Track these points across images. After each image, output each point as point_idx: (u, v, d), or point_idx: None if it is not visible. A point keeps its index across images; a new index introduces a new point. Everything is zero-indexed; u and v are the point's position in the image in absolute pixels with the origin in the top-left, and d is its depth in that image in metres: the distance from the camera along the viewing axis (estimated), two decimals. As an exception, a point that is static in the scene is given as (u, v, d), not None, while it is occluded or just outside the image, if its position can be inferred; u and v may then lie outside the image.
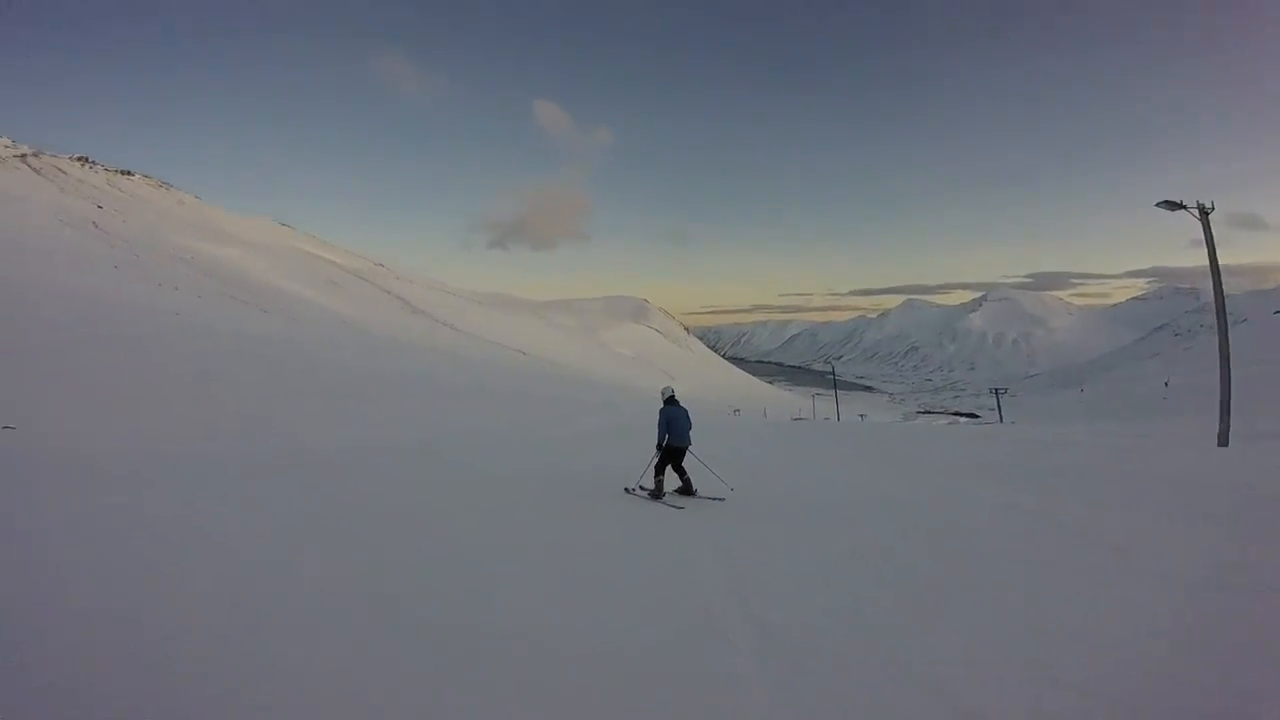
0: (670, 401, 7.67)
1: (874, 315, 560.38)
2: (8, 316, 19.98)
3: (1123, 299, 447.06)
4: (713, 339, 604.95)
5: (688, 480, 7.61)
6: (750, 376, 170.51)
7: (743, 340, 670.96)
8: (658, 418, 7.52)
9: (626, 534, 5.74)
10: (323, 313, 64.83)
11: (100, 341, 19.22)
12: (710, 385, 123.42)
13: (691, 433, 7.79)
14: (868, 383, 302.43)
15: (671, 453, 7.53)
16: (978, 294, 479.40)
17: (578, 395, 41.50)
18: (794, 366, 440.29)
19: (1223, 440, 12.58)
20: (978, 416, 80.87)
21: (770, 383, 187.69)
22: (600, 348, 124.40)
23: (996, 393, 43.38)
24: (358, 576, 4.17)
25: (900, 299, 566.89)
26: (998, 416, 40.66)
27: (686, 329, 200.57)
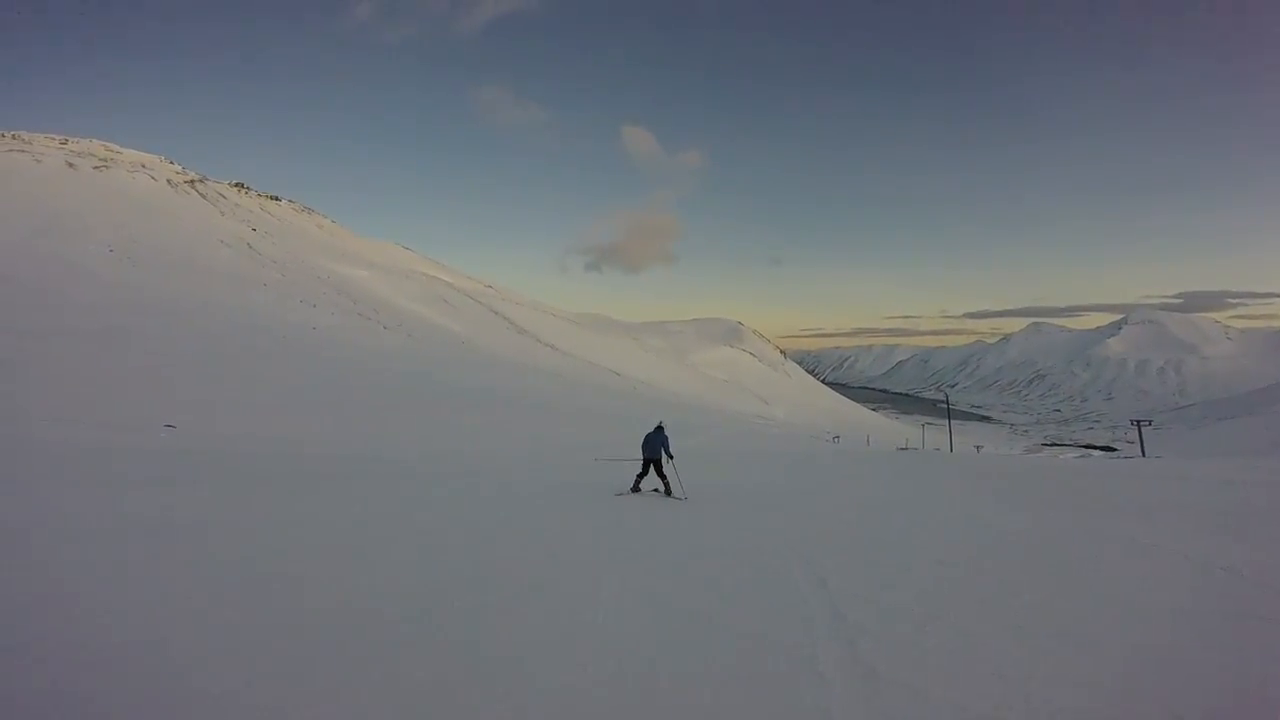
0: (658, 429, 9.92)
1: (993, 340, 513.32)
2: (173, 329, 23.52)
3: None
4: (812, 364, 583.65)
5: (668, 485, 9.67)
6: (853, 403, 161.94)
7: (845, 365, 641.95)
8: (659, 438, 9.72)
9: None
10: (435, 330, 70.10)
11: (250, 352, 22.09)
12: (810, 411, 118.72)
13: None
14: (985, 412, 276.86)
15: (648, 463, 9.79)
16: (1117, 316, 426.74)
17: (666, 418, 41.53)
18: (901, 394, 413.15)
19: None
20: (1115, 450, 71.34)
21: (875, 410, 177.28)
22: (690, 370, 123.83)
23: (1139, 424, 37.74)
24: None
25: (1024, 322, 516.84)
26: (1139, 450, 35.41)
27: (783, 352, 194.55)
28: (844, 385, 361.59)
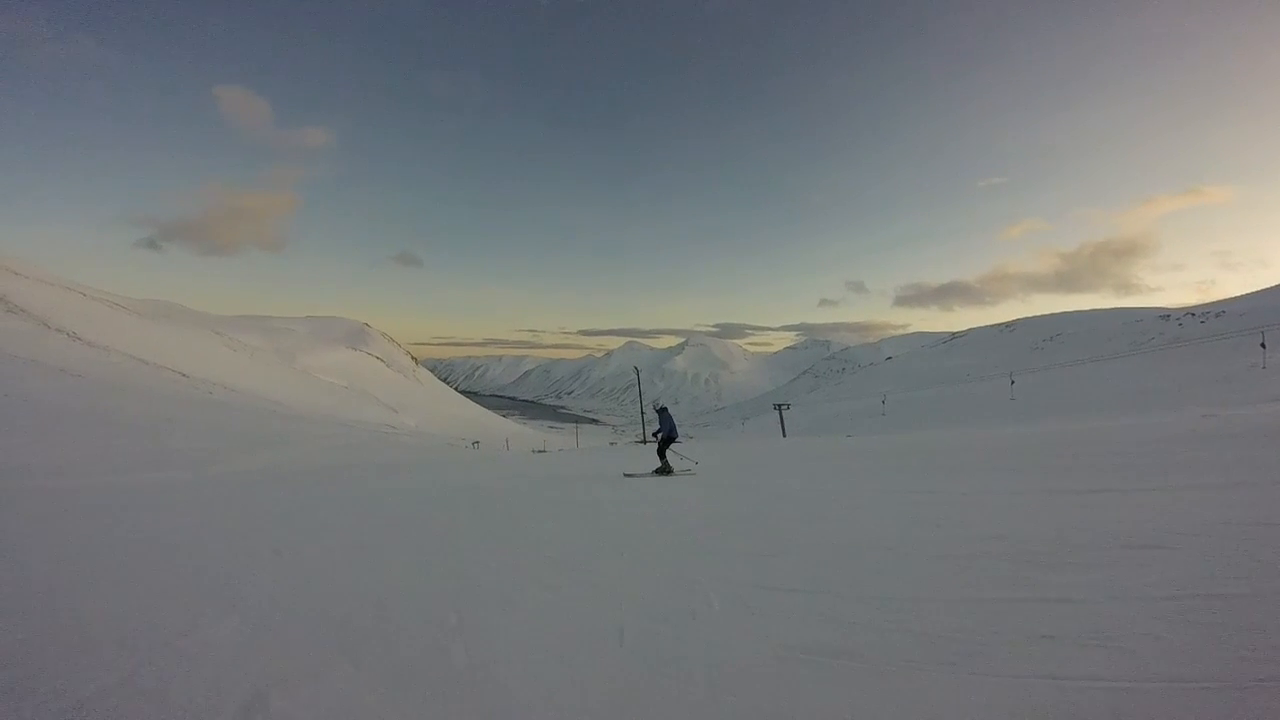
0: (664, 410, 10.89)
1: (600, 355, 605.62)
2: None
3: (780, 348, 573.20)
4: (444, 371, 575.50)
5: (666, 464, 10.53)
6: (486, 410, 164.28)
7: (477, 374, 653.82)
8: (659, 420, 10.71)
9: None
10: None
11: None
12: (443, 419, 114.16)
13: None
14: (594, 416, 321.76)
15: (668, 441, 10.69)
16: (681, 339, 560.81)
17: (256, 427, 32.15)
18: (528, 401, 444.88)
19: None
20: (691, 438, 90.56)
21: (505, 416, 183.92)
22: (300, 374, 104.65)
23: (780, 407, 44.10)
24: None
25: (622, 340, 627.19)
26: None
27: (415, 359, 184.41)
28: (476, 393, 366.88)
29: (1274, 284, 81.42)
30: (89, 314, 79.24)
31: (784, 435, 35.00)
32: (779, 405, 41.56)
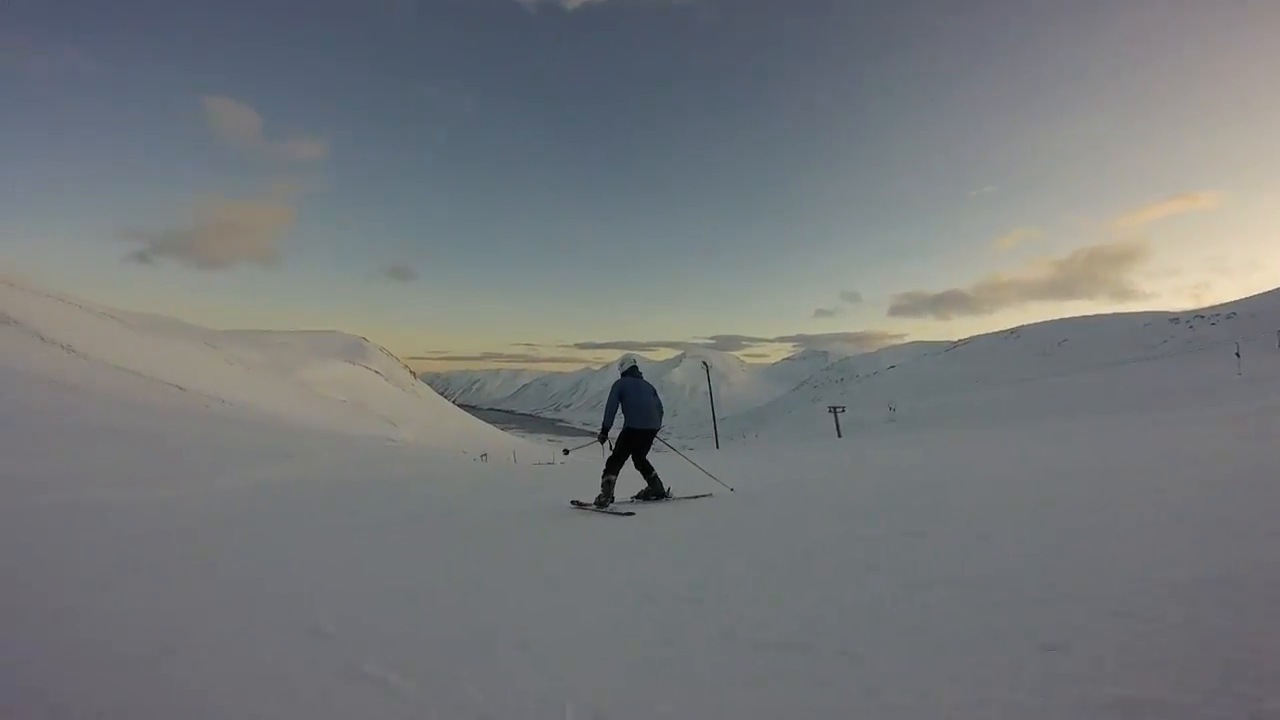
0: (630, 373, 6.07)
1: (598, 367, 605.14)
2: None
3: (778, 359, 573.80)
4: (442, 385, 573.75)
5: (655, 478, 5.97)
6: (485, 424, 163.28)
7: (474, 388, 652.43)
8: (608, 395, 5.80)
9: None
10: None
11: None
12: (441, 433, 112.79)
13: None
14: (593, 428, 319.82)
15: (633, 439, 5.79)
16: (679, 352, 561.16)
17: (258, 440, 31.14)
18: (526, 414, 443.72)
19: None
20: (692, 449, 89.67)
21: (504, 430, 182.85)
22: (299, 388, 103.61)
23: (835, 410, 44.17)
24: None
25: (619, 353, 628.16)
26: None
27: (414, 373, 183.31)
28: (474, 407, 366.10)
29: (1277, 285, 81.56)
30: (84, 326, 78.15)
31: (839, 435, 33.95)
32: (834, 408, 41.01)
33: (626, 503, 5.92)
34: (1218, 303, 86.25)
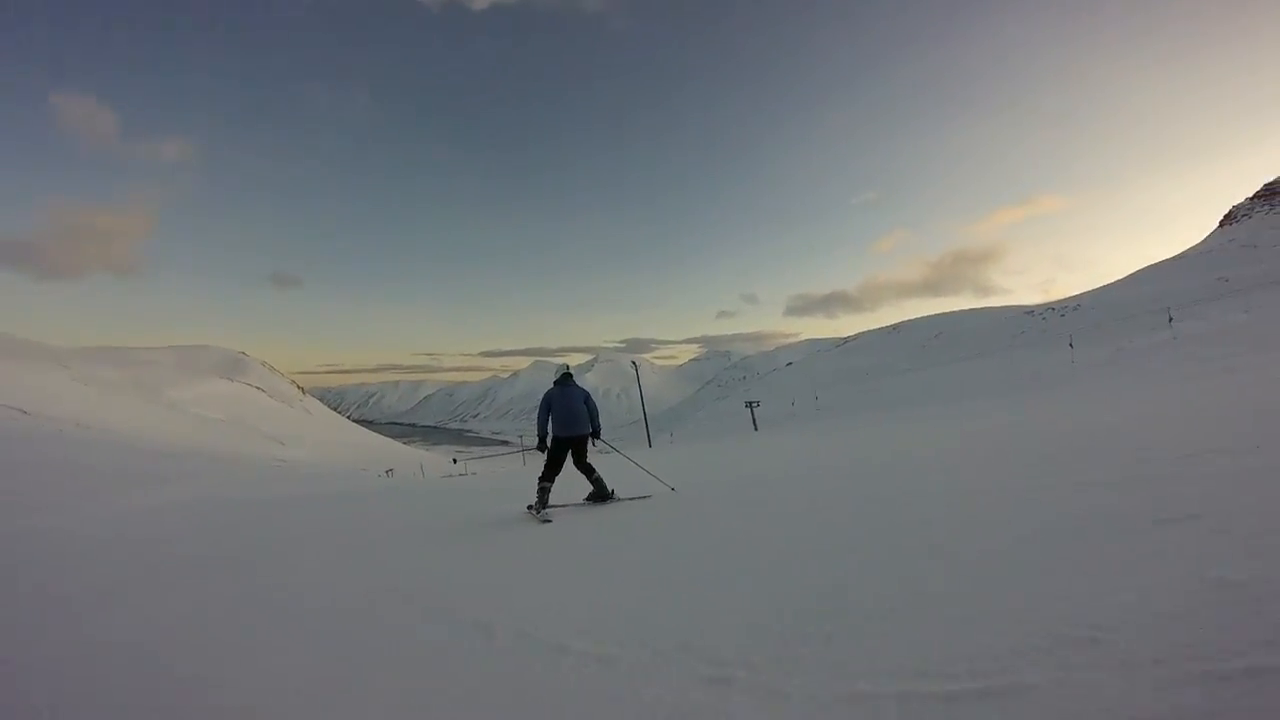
0: (562, 382, 6.22)
1: (506, 375, 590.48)
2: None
3: (685, 360, 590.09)
4: (334, 400, 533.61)
5: (598, 479, 6.17)
6: (384, 438, 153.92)
7: (370, 401, 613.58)
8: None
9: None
10: None
11: None
12: (337, 449, 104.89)
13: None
14: (504, 437, 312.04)
15: (559, 446, 6.01)
16: (591, 356, 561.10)
17: (121, 467, 27.62)
18: (429, 426, 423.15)
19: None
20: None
21: (407, 443, 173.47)
22: (168, 408, 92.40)
23: (751, 405, 44.18)
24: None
25: (529, 360, 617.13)
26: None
27: (301, 389, 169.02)
28: (371, 421, 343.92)
29: (1115, 279, 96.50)
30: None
31: (755, 429, 35.21)
32: (750, 403, 42.62)
33: (560, 508, 6.20)
34: (1064, 296, 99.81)
